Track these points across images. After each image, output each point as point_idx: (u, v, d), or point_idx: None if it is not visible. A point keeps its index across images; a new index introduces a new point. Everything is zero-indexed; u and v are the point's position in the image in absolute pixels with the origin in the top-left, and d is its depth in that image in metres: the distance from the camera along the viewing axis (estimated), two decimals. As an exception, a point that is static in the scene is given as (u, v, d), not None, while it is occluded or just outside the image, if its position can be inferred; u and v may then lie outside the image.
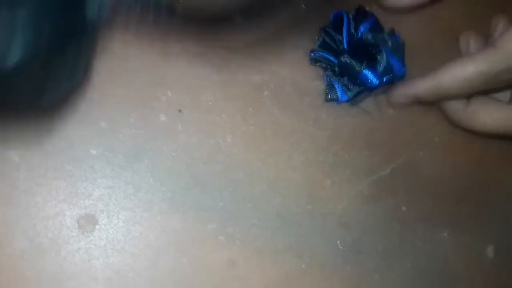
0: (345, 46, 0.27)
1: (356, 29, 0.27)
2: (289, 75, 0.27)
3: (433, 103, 0.28)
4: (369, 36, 0.27)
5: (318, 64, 0.27)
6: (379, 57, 0.27)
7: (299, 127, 0.27)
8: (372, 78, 0.27)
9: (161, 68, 0.25)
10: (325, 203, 0.26)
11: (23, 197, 0.23)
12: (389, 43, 0.28)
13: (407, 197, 0.28)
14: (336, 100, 0.27)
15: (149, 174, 0.24)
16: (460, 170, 0.30)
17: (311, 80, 0.28)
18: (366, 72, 0.27)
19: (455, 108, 0.28)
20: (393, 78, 0.27)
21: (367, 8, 0.28)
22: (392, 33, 0.28)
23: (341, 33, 0.27)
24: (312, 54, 0.27)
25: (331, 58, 0.27)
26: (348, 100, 0.27)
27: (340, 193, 0.26)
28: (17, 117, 0.24)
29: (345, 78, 0.27)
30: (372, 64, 0.27)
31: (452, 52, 0.29)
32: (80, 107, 0.24)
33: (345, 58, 0.27)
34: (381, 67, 0.27)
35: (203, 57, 0.26)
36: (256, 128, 0.26)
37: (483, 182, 0.30)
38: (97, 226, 0.23)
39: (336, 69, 0.27)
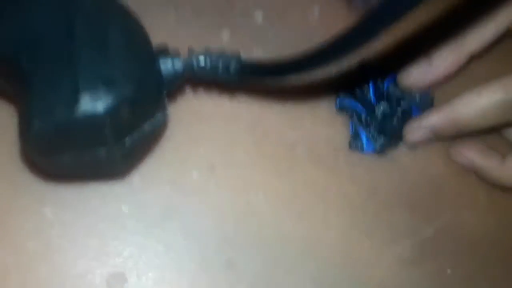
0: (372, 98, 0.27)
1: (382, 80, 0.28)
2: (323, 131, 0.28)
3: (453, 138, 0.27)
4: (396, 89, 0.28)
5: (344, 112, 0.28)
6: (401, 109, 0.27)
7: (334, 185, 0.26)
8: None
9: (196, 127, 0.26)
10: (363, 267, 0.25)
11: (55, 254, 0.23)
12: (417, 98, 0.28)
13: (452, 260, 0.26)
14: (361, 149, 0.27)
15: (179, 232, 0.24)
16: (508, 230, 0.28)
17: (346, 136, 0.28)
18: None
19: (491, 165, 0.27)
20: None
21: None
22: None
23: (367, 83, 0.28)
24: (338, 101, 0.28)
25: (358, 106, 0.27)
26: (374, 151, 0.27)
27: (380, 256, 0.25)
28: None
29: (371, 128, 0.27)
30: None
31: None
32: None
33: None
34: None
35: (236, 114, 0.27)
36: (289, 186, 0.26)
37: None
38: (125, 285, 0.23)
39: (363, 118, 0.27)
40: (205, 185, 0.25)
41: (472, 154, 0.27)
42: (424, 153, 0.28)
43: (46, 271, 0.23)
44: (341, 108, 0.28)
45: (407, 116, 0.27)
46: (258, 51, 0.28)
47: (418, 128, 0.27)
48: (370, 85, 0.28)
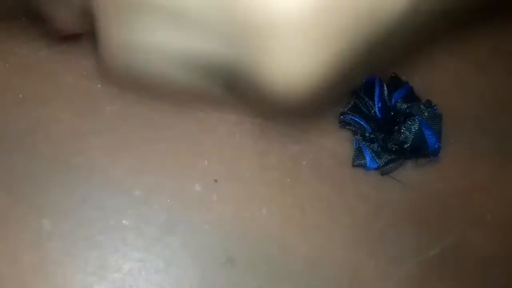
0: (378, 113, 0.27)
1: (390, 96, 0.27)
2: (328, 145, 0.27)
3: None
4: (404, 105, 0.27)
5: (348, 127, 0.27)
6: (410, 123, 0.26)
7: (340, 201, 0.26)
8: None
9: (199, 138, 0.26)
10: (369, 287, 0.24)
11: (52, 268, 0.23)
12: (425, 114, 0.27)
13: (459, 281, 0.26)
14: (363, 166, 0.26)
15: (181, 248, 0.23)
16: (517, 251, 0.28)
17: (351, 151, 0.27)
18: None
19: None
20: (426, 151, 0.26)
21: (403, 77, 0.28)
22: (429, 104, 0.28)
23: (373, 98, 0.27)
24: (341, 117, 0.27)
25: (362, 122, 0.27)
26: (377, 168, 0.26)
27: (386, 275, 0.25)
28: (54, 183, 0.24)
29: (376, 145, 0.26)
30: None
31: (500, 123, 0.28)
32: (116, 175, 0.24)
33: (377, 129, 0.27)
34: (411, 134, 0.26)
35: (241, 126, 0.26)
36: (293, 201, 0.25)
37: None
38: (124, 301, 0.23)
39: (367, 134, 0.27)
40: (208, 199, 0.25)
41: None
42: (431, 170, 0.27)
43: (43, 286, 0.22)
44: (345, 124, 0.27)
45: (414, 133, 0.27)
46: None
47: None
48: (376, 100, 0.27)
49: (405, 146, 0.26)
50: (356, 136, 0.27)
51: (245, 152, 0.26)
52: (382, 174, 0.27)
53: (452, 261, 0.26)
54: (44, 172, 0.24)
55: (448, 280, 0.26)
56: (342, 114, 0.27)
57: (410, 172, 0.27)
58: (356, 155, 0.27)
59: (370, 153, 0.27)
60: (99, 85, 0.26)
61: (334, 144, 0.27)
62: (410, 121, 0.27)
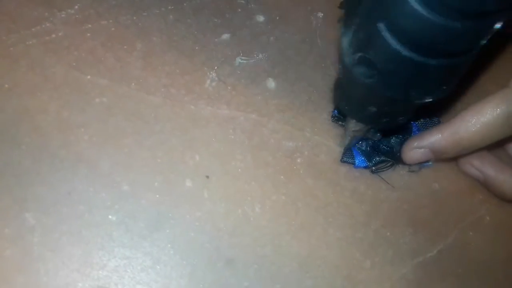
0: None
1: None
2: (324, 142, 0.26)
3: (453, 158, 0.26)
4: None
5: (340, 123, 0.26)
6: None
7: (335, 199, 0.25)
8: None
9: (191, 132, 0.25)
10: (364, 288, 0.24)
11: (34, 264, 0.22)
12: (421, 119, 0.27)
13: (457, 282, 0.25)
14: (351, 164, 0.26)
15: (169, 245, 0.23)
16: (516, 253, 0.27)
17: (347, 148, 0.26)
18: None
19: (503, 178, 0.25)
20: None
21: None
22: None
23: None
24: (335, 111, 0.26)
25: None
26: (366, 167, 0.26)
27: (382, 277, 0.24)
28: (38, 176, 0.23)
29: (364, 143, 0.26)
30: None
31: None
32: (104, 168, 0.23)
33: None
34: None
35: (234, 121, 0.26)
36: (287, 198, 0.25)
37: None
38: (109, 300, 0.22)
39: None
40: (198, 195, 0.24)
41: (484, 166, 0.26)
42: (428, 170, 0.27)
43: (23, 282, 0.21)
44: (337, 119, 0.26)
45: (406, 135, 0.26)
46: (258, 53, 0.27)
47: (417, 148, 0.25)
48: None
49: (395, 150, 0.26)
50: (348, 133, 0.26)
51: (238, 148, 0.25)
52: (372, 172, 0.26)
53: (449, 263, 0.25)
54: (29, 164, 0.23)
55: (446, 282, 0.25)
56: (335, 108, 0.26)
57: (407, 172, 0.26)
58: (345, 151, 0.26)
59: (359, 152, 0.26)
60: (88, 77, 0.25)
61: (330, 141, 0.26)
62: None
